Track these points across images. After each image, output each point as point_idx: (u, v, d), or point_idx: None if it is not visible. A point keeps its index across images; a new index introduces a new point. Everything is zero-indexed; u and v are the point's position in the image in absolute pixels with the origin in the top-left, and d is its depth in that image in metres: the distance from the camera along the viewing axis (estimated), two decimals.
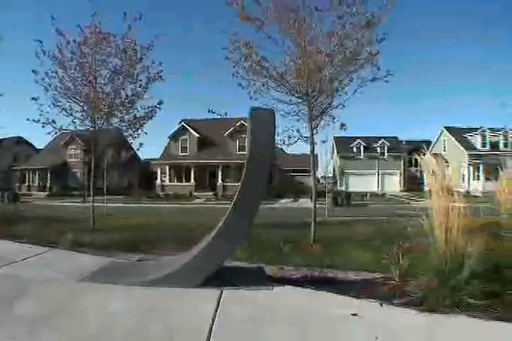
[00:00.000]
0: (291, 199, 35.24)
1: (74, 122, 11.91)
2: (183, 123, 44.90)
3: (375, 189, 48.89)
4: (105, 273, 5.52)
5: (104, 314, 3.95)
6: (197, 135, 44.10)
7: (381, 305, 4.29)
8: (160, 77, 12.06)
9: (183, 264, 5.09)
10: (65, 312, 4.00)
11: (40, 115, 11.47)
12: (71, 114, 11.72)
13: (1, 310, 3.98)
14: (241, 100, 59.95)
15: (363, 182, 48.72)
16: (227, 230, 5.16)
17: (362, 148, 53.00)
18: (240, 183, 5.38)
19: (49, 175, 47.44)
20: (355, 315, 3.94)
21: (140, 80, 12.00)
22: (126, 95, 12.05)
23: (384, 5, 8.09)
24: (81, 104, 11.70)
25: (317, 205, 9.53)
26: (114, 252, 7.36)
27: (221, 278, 4.98)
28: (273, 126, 5.37)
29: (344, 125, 9.84)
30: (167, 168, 44.34)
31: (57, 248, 7.46)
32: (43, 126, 11.66)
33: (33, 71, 11.46)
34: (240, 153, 40.47)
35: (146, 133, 12.69)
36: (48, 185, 46.99)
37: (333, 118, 9.52)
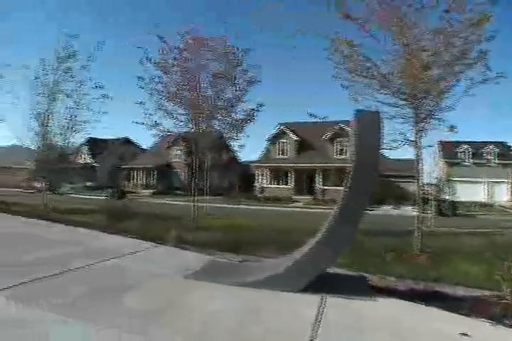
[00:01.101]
0: (392, 206, 34.22)
1: (177, 125, 12.79)
2: (281, 126, 45.57)
3: (481, 198, 45.55)
4: (208, 272, 5.93)
5: (208, 312, 4.26)
6: (295, 138, 44.52)
7: (494, 325, 4.14)
8: (257, 79, 12.57)
9: (285, 268, 5.22)
10: (172, 307, 4.40)
11: (146, 118, 12.51)
12: (175, 117, 12.61)
13: (111, 301, 4.49)
14: (340, 103, 59.40)
15: (468, 191, 45.57)
16: (330, 236, 5.19)
17: (468, 154, 49.61)
18: (344, 188, 5.37)
19: (154, 174, 50.56)
20: (465, 334, 3.81)
21: (239, 83, 12.57)
22: (227, 98, 12.67)
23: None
24: (184, 107, 12.53)
25: (421, 214, 9.33)
26: (216, 251, 7.86)
27: (322, 283, 5.05)
28: (379, 129, 5.29)
29: (454, 127, 9.50)
30: (266, 170, 45.22)
31: (163, 244, 8.19)
32: (149, 129, 12.69)
33: (139, 77, 12.52)
34: (340, 157, 40.34)
35: (248, 136, 13.29)
36: (153, 183, 50.07)
37: (441, 120, 9.21)
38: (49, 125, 15.54)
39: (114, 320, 3.88)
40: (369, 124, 5.26)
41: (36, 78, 15.40)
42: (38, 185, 34.49)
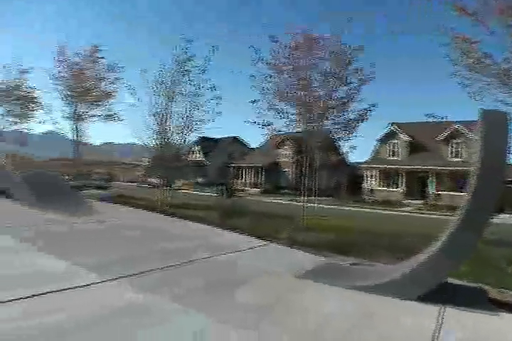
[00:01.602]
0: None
1: (288, 124, 13.12)
2: (392, 126, 44.22)
3: None
4: (320, 273, 6.09)
5: (320, 313, 4.41)
6: (407, 138, 43.02)
7: None
8: (370, 78, 12.51)
9: (402, 275, 5.17)
10: (284, 305, 4.62)
11: (258, 117, 13.00)
12: (286, 116, 12.96)
13: (226, 294, 4.82)
14: (455, 103, 56.05)
15: None
16: (451, 244, 5.00)
17: None
18: (467, 193, 5.14)
19: (262, 173, 51.73)
20: None
21: (351, 83, 12.60)
22: (339, 97, 12.76)
23: None
24: (295, 106, 12.82)
25: None
26: (325, 252, 7.99)
27: (438, 293, 4.92)
28: (507, 131, 5.00)
29: None
30: (375, 172, 44.24)
31: (273, 242, 8.55)
32: (261, 128, 13.16)
33: (252, 76, 13.06)
34: (455, 159, 38.41)
35: (361, 137, 13.28)
36: (261, 182, 51.26)
37: None
38: (166, 124, 16.68)
39: (229, 314, 4.15)
40: (495, 125, 5.01)
41: (156, 80, 16.62)
42: (153, 180, 36.95)
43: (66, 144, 29.21)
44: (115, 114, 27.60)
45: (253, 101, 13.29)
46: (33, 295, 4.21)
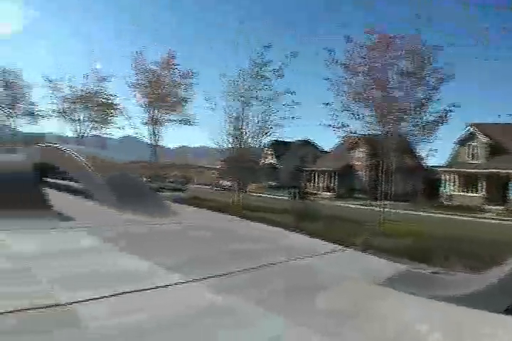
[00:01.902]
0: None
1: (363, 126, 12.91)
2: (471, 127, 42.12)
3: None
4: (400, 281, 5.97)
5: (401, 322, 4.28)
6: (487, 140, 40.77)
7: None
8: (449, 77, 12.06)
9: (489, 285, 4.97)
10: (363, 312, 4.55)
11: (332, 120, 12.88)
12: (361, 118, 12.76)
13: (303, 298, 4.84)
14: None
15: None
16: None
17: None
18: None
19: (335, 176, 51.16)
20: None
21: (429, 82, 12.20)
22: (416, 98, 12.39)
23: None
24: (371, 108, 12.59)
25: None
26: (402, 259, 7.72)
27: None
28: None
29: None
30: (454, 175, 42.37)
31: (348, 247, 8.42)
32: (335, 130, 13.03)
33: (327, 78, 12.96)
34: None
35: (440, 139, 12.85)
36: (334, 186, 50.70)
37: None
38: (242, 128, 16.92)
39: (308, 318, 4.14)
40: None
41: (232, 85, 16.96)
42: (226, 183, 37.61)
43: (143, 148, 30.41)
44: (190, 118, 28.52)
45: (327, 104, 13.21)
46: (115, 295, 4.43)
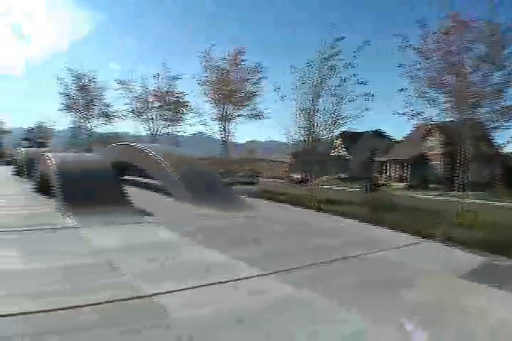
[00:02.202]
0: None
1: (439, 113, 12.50)
2: None
3: None
4: (484, 274, 5.77)
5: (492, 318, 4.07)
6: None
7: None
8: None
9: None
10: (450, 307, 4.36)
11: (406, 107, 12.55)
12: (436, 105, 12.36)
13: (385, 293, 4.75)
14: None
15: None
16: None
17: None
18: None
19: (407, 166, 49.74)
20: None
21: (507, 66, 11.63)
22: (494, 83, 11.85)
23: None
24: (447, 94, 12.17)
25: None
26: (483, 251, 7.38)
27: None
28: None
29: None
30: None
31: (427, 239, 8.22)
32: (410, 119, 12.70)
33: (399, 65, 12.65)
34: None
35: None
36: (406, 176, 49.30)
37: None
38: (313, 120, 16.80)
39: (390, 313, 4.06)
40: None
41: (302, 77, 16.91)
42: (296, 176, 37.58)
43: (213, 144, 30.99)
44: (260, 112, 28.75)
45: (401, 90, 12.92)
46: (195, 287, 4.60)
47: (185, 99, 33.13)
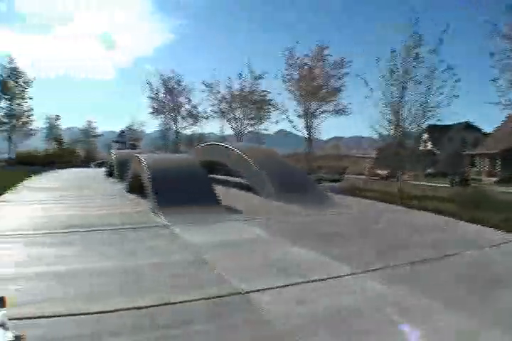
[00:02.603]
0: None
1: None
2: None
3: None
4: None
5: None
6: None
7: None
8: None
9: None
10: None
11: (500, 97, 11.90)
12: None
13: (484, 295, 4.44)
14: None
15: None
16: None
17: None
18: None
19: (497, 160, 46.90)
20: None
21: None
22: None
23: None
24: None
25: None
26: None
27: None
28: None
29: None
30: None
31: None
32: (504, 108, 12.05)
33: (491, 54, 12.03)
34: None
35: None
36: (496, 170, 46.51)
37: None
38: (400, 113, 16.30)
39: (494, 317, 3.78)
40: None
41: (387, 69, 16.47)
42: (382, 172, 36.66)
43: (297, 141, 31.01)
44: (345, 107, 28.42)
45: (494, 80, 12.27)
46: (288, 285, 4.56)
47: (269, 97, 33.43)
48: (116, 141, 42.83)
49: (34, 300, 3.99)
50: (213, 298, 4.15)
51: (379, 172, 38.76)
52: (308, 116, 27.84)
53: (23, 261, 5.52)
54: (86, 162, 38.08)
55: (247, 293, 4.30)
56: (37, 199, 12.09)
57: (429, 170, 49.09)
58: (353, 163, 56.32)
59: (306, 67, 27.78)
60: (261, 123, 34.42)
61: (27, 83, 34.71)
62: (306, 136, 28.41)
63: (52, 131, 43.50)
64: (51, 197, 12.41)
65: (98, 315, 3.66)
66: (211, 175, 17.63)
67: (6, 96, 33.59)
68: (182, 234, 7.36)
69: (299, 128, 28.86)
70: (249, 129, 34.60)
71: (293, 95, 28.47)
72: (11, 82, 33.63)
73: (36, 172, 22.86)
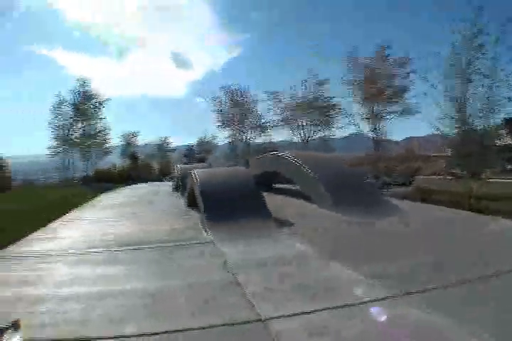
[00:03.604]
0: None
1: None
2: None
3: None
4: None
5: None
6: None
7: None
8: None
9: None
10: None
11: None
12: None
13: None
14: None
15: None
16: None
17: None
18: None
19: None
20: None
21: None
22: None
23: None
24: None
25: None
26: None
27: None
28: None
29: None
30: None
31: None
32: None
33: None
34: None
35: None
36: None
37: None
38: (465, 108, 15.22)
39: None
40: None
41: (448, 63, 15.50)
42: (456, 171, 34.53)
43: (367, 144, 30.05)
44: (411, 107, 27.02)
45: None
46: (316, 311, 4.14)
47: (334, 102, 32.73)
48: (185, 155, 43.67)
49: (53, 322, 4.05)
50: (232, 324, 3.87)
51: (454, 171, 36.55)
52: (375, 118, 26.82)
53: (60, 281, 5.63)
54: (161, 176, 39.04)
55: (269, 319, 3.94)
56: (97, 217, 12.35)
57: (509, 167, 45.75)
58: (428, 163, 53.86)
59: (368, 68, 26.83)
60: (327, 129, 33.76)
61: (100, 104, 36.15)
62: (374, 138, 27.42)
63: (128, 147, 45.07)
64: (111, 215, 12.67)
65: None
66: (274, 185, 17.39)
67: (81, 118, 35.14)
68: (224, 251, 7.08)
69: (365, 131, 27.94)
70: (316, 135, 34.02)
71: (357, 98, 27.56)
72: (85, 104, 35.24)
73: (108, 189, 23.55)
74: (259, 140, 37.41)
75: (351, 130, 32.29)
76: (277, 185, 17.71)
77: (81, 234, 9.42)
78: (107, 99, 36.86)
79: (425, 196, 14.87)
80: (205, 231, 8.81)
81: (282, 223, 9.40)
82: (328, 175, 12.03)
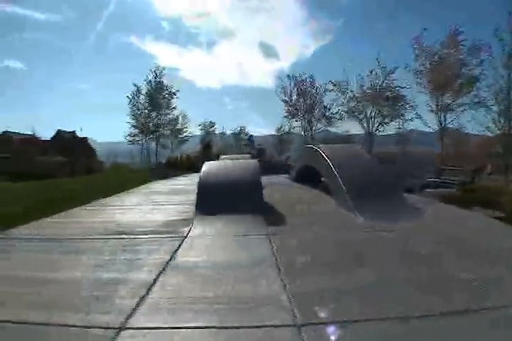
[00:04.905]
0: None
1: None
2: None
3: None
4: None
5: None
6: None
7: None
8: None
9: None
10: None
11: None
12: None
13: None
14: None
15: None
16: None
17: None
18: None
19: None
20: None
21: None
22: None
23: None
24: None
25: None
26: None
27: None
28: None
29: None
30: None
31: None
32: None
33: None
34: None
35: None
36: None
37: None
38: None
39: None
40: None
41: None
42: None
43: (429, 138, 28.17)
44: (483, 99, 24.59)
45: None
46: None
47: (402, 93, 30.82)
48: (246, 144, 43.63)
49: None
50: None
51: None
52: (442, 110, 24.87)
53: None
54: None
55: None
56: (130, 203, 12.34)
57: None
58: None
59: (437, 56, 24.84)
60: (395, 121, 31.95)
61: (171, 95, 37.15)
62: (439, 132, 25.55)
63: (206, 136, 46.06)
64: (142, 201, 12.52)
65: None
66: (311, 179, 16.59)
67: (155, 108, 36.38)
68: (188, 248, 6.44)
69: (430, 124, 26.08)
70: (382, 127, 32.35)
71: (424, 88, 25.72)
72: (160, 94, 36.42)
73: (167, 177, 23.77)
74: (325, 131, 36.44)
75: (415, 123, 30.39)
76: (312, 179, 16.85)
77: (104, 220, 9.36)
78: (177, 90, 37.74)
79: (467, 199, 13.48)
80: (192, 223, 8.39)
81: (278, 221, 8.52)
82: (355, 173, 10.97)
